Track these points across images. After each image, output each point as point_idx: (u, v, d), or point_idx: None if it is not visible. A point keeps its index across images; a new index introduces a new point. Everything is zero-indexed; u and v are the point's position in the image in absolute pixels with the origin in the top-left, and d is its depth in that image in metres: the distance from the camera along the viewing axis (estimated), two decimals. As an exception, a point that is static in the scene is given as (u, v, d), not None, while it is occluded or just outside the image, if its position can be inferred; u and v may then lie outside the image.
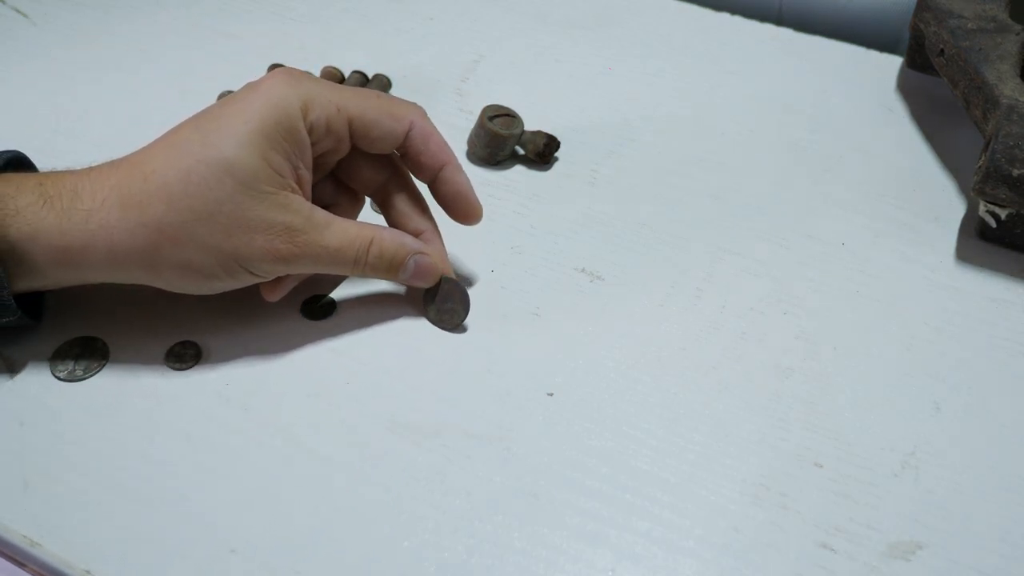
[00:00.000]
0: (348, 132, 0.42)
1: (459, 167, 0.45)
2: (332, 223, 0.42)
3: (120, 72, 0.61)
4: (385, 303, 0.47)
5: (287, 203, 0.40)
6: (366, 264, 0.43)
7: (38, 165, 0.45)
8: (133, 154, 0.41)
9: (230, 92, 0.57)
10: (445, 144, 0.45)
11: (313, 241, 0.41)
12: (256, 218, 0.39)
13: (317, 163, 0.43)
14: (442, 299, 0.45)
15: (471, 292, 0.47)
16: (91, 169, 0.41)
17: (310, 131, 0.41)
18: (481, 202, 0.46)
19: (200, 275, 0.40)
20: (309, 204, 0.41)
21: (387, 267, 0.43)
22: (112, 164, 0.41)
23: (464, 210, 0.46)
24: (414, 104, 0.45)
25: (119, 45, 0.63)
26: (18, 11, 0.66)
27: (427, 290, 0.45)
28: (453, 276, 0.46)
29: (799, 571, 0.37)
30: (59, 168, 0.42)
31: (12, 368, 0.43)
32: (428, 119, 0.44)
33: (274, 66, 0.59)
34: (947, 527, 0.39)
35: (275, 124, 0.40)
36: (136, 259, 0.40)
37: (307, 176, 0.42)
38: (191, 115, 0.42)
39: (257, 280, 0.42)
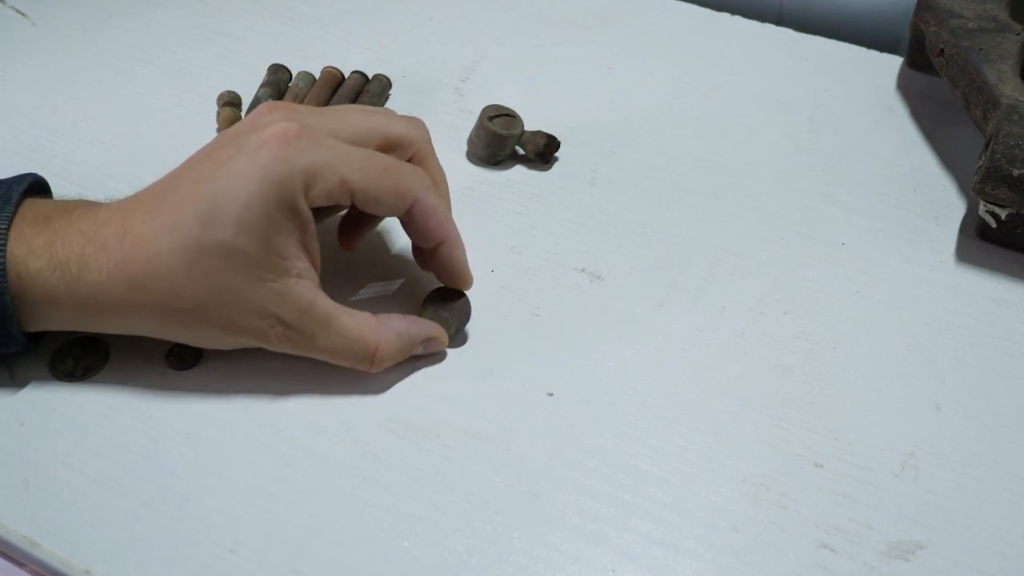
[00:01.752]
0: (350, 199, 0.40)
1: (456, 242, 0.44)
2: (331, 324, 0.40)
3: (120, 72, 0.61)
4: (385, 303, 0.47)
5: (284, 292, 0.39)
6: (371, 367, 0.42)
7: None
8: (136, 215, 0.39)
9: (230, 92, 0.57)
10: (445, 220, 0.43)
11: (308, 343, 0.41)
12: (255, 305, 0.39)
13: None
14: (443, 304, 0.45)
15: (471, 294, 0.47)
16: (96, 224, 0.39)
17: (311, 204, 0.39)
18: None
19: (212, 342, 0.41)
20: (311, 296, 0.40)
21: (397, 361, 0.43)
22: (114, 226, 0.39)
23: (454, 282, 0.45)
24: (423, 175, 0.42)
25: (119, 45, 0.63)
26: (18, 11, 0.66)
27: (431, 292, 0.45)
28: (470, 280, 0.45)
29: (799, 571, 0.37)
30: (66, 179, 0.42)
31: (12, 368, 0.43)
32: (432, 192, 0.42)
33: (274, 66, 0.59)
34: (947, 527, 0.39)
35: (276, 205, 0.38)
36: (149, 328, 0.40)
37: (315, 245, 0.40)
38: (197, 155, 0.41)
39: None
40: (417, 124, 0.44)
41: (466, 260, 0.44)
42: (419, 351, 0.43)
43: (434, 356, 0.44)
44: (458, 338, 0.45)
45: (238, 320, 0.39)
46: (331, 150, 0.40)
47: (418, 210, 0.42)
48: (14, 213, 0.40)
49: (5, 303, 0.39)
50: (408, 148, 0.43)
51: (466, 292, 0.45)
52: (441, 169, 0.45)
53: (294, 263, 0.39)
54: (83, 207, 0.41)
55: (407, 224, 0.43)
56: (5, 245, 0.39)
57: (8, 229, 0.39)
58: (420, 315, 0.45)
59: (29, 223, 0.40)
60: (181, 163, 0.41)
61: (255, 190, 0.38)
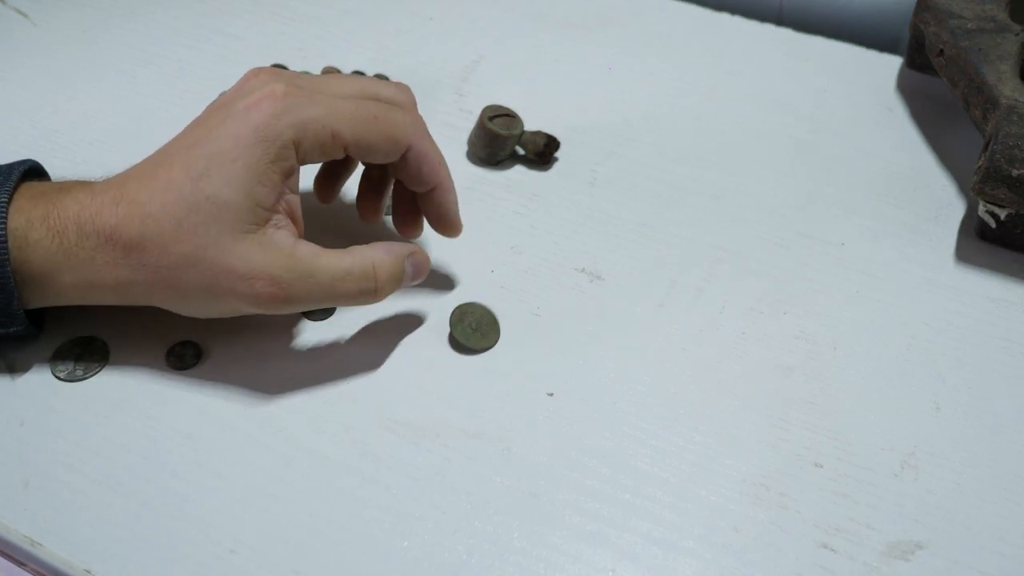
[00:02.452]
0: (343, 151, 0.41)
1: (448, 188, 0.44)
2: (320, 260, 0.40)
3: (120, 72, 0.61)
4: (385, 304, 0.47)
5: (266, 241, 0.39)
6: (376, 292, 0.41)
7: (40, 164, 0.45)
8: (131, 183, 0.40)
9: (230, 92, 0.57)
10: (438, 165, 0.44)
11: (299, 283, 0.40)
12: (237, 263, 0.39)
13: None
14: (463, 315, 0.45)
15: (471, 294, 0.47)
16: (92, 194, 0.40)
17: (302, 160, 0.40)
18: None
19: (202, 305, 0.41)
20: (293, 240, 0.40)
21: (397, 284, 0.43)
22: (111, 193, 0.40)
23: (444, 227, 0.46)
24: (413, 120, 0.43)
25: (119, 45, 0.63)
26: (18, 11, 0.66)
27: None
28: (460, 227, 0.46)
29: (799, 571, 0.37)
30: (66, 178, 0.43)
31: (12, 368, 0.43)
32: (426, 137, 0.43)
33: (275, 66, 0.59)
34: (947, 527, 0.39)
35: (263, 158, 0.39)
36: (142, 291, 0.40)
37: (295, 200, 0.41)
38: (188, 126, 0.42)
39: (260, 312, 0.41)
40: (403, 88, 0.45)
41: (457, 206, 0.45)
42: (410, 272, 0.43)
43: (419, 276, 0.44)
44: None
45: (222, 279, 0.39)
46: (320, 104, 0.40)
47: (412, 155, 0.42)
48: (14, 188, 0.40)
49: (7, 275, 0.39)
50: (404, 145, 0.43)
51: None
52: (441, 164, 0.45)
53: (275, 216, 0.40)
54: (80, 183, 0.42)
55: (400, 170, 0.44)
56: (6, 217, 0.39)
57: (8, 202, 0.40)
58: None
59: (27, 198, 0.40)
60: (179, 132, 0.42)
61: (246, 148, 0.39)
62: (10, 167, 0.42)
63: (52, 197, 0.40)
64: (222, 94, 0.44)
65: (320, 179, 0.48)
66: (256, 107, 0.39)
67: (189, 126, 0.42)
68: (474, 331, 0.45)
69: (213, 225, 0.39)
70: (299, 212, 0.41)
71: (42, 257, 0.39)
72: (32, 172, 0.43)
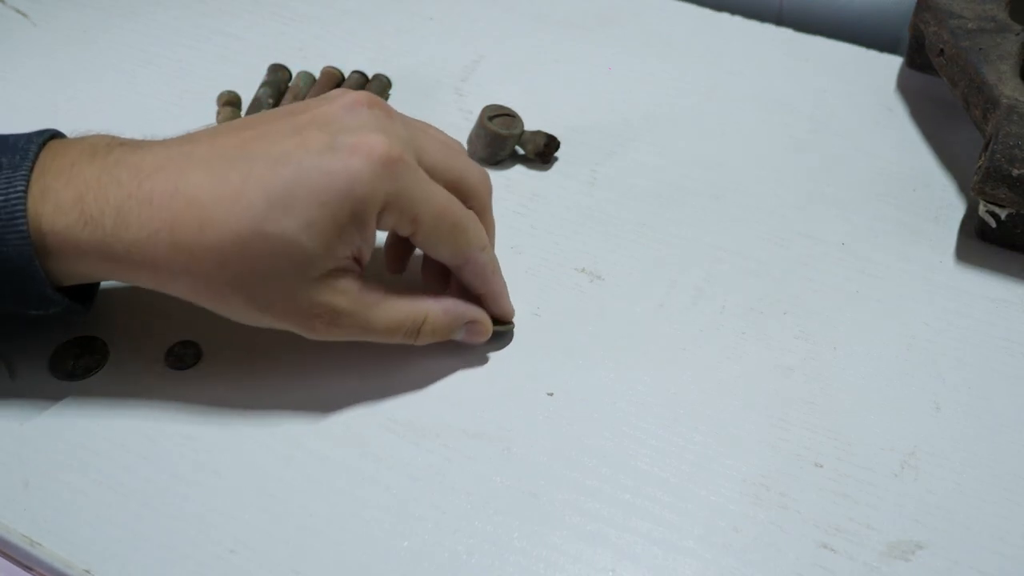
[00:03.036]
0: (407, 234, 0.40)
1: (499, 295, 0.44)
2: (380, 304, 0.40)
3: (120, 72, 0.61)
4: (385, 303, 0.47)
5: (336, 286, 0.38)
6: (416, 339, 0.42)
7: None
8: (192, 174, 0.37)
9: (230, 92, 0.57)
10: (492, 276, 0.43)
11: (358, 324, 0.40)
12: (302, 299, 0.38)
13: None
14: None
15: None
16: (139, 176, 0.37)
17: (379, 227, 0.39)
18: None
19: (243, 317, 0.39)
20: (359, 286, 0.39)
21: (439, 339, 0.43)
22: (165, 179, 0.37)
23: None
24: (482, 236, 0.42)
25: (119, 45, 0.63)
26: (18, 11, 0.66)
27: None
28: (512, 317, 0.45)
29: (799, 571, 0.37)
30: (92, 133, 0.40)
31: (12, 368, 0.43)
32: (486, 252, 0.42)
33: (274, 66, 0.59)
34: (947, 527, 0.39)
35: (350, 216, 0.37)
36: (179, 290, 0.39)
37: (368, 252, 0.40)
38: (269, 122, 0.39)
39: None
40: (485, 177, 0.44)
41: (507, 305, 0.45)
42: (460, 336, 0.43)
43: (471, 347, 0.44)
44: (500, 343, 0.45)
45: (279, 304, 0.38)
46: (418, 185, 0.39)
47: (468, 268, 0.42)
48: (31, 169, 0.37)
49: (35, 269, 0.37)
50: (473, 198, 0.43)
51: (509, 330, 0.45)
52: (494, 222, 0.45)
53: (345, 262, 0.39)
54: (120, 150, 0.38)
55: (455, 269, 0.43)
56: (24, 211, 0.36)
57: (26, 190, 0.36)
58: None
59: (54, 175, 0.37)
60: (250, 122, 0.39)
61: (336, 196, 0.36)
62: (28, 140, 0.38)
63: (85, 173, 0.37)
64: (303, 99, 0.42)
65: (390, 250, 0.46)
66: (359, 153, 0.37)
67: (277, 127, 0.38)
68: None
69: (283, 260, 0.37)
70: (368, 258, 0.40)
71: (72, 243, 0.37)
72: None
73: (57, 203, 0.37)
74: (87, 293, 0.43)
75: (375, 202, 0.37)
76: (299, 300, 0.38)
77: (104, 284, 0.46)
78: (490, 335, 0.44)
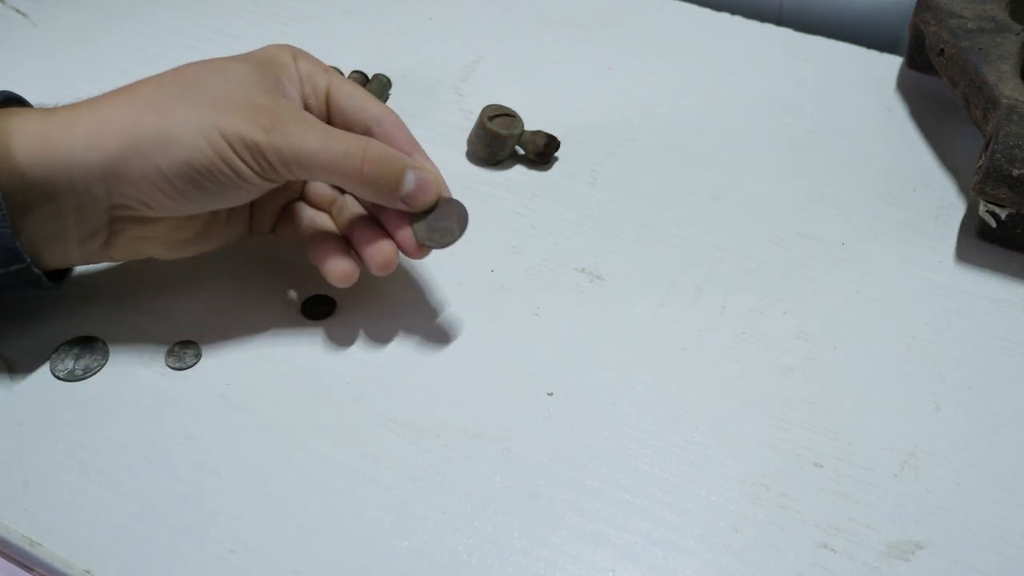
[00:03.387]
0: (325, 95, 0.43)
1: (391, 119, 0.44)
2: (321, 125, 0.41)
3: (120, 72, 0.61)
4: (385, 303, 0.47)
5: (279, 97, 0.41)
6: (363, 168, 0.40)
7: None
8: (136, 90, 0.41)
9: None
10: (413, 142, 0.44)
11: (294, 133, 0.39)
12: (244, 96, 0.39)
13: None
14: (436, 217, 0.42)
15: (470, 292, 0.47)
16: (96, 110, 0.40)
17: (298, 69, 0.43)
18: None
19: (179, 156, 0.38)
20: (300, 108, 0.41)
21: (385, 174, 0.40)
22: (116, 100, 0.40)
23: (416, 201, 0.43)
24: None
25: (119, 45, 0.63)
26: (18, 11, 0.66)
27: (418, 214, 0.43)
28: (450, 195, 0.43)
29: (799, 571, 0.37)
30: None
31: (12, 368, 0.43)
32: (399, 119, 0.44)
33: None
34: (947, 527, 0.39)
35: (270, 62, 0.42)
36: (117, 133, 0.38)
37: (313, 105, 0.43)
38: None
39: (240, 184, 0.39)
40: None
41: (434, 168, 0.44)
42: (411, 184, 0.41)
43: (424, 195, 0.41)
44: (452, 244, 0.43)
45: (219, 109, 0.39)
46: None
47: (389, 119, 0.43)
48: None
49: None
50: (377, 111, 0.44)
51: (458, 201, 0.43)
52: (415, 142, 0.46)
53: (290, 95, 0.42)
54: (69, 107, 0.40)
55: (378, 124, 0.44)
56: None
57: None
58: (414, 232, 0.42)
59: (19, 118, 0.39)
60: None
61: (247, 56, 0.42)
62: None
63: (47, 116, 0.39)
64: None
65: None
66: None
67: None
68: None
69: (220, 73, 0.40)
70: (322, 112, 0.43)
71: (13, 123, 0.38)
72: (14, 101, 0.42)
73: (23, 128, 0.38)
74: (58, 275, 0.43)
75: (285, 52, 0.43)
76: (241, 98, 0.39)
77: (104, 285, 0.46)
78: (438, 191, 0.42)
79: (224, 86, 0.40)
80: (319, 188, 0.46)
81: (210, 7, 0.67)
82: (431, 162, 0.44)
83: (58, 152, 0.38)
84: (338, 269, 0.42)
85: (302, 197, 0.46)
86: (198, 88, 0.39)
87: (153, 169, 0.38)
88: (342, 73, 0.59)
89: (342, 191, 0.46)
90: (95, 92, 0.58)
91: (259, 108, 0.39)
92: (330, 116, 0.44)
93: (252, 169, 0.39)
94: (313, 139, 0.40)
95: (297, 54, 0.43)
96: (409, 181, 0.41)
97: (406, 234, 0.42)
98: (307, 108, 0.43)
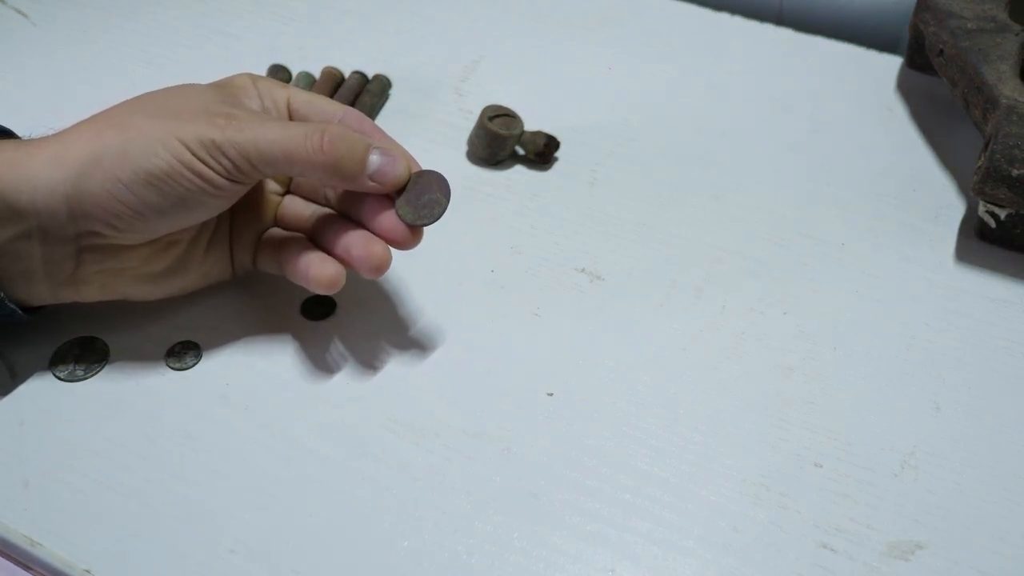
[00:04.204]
0: (287, 110, 0.43)
1: (392, 142, 0.42)
2: (279, 119, 0.41)
3: (120, 72, 0.61)
4: (385, 303, 0.47)
5: (236, 106, 0.41)
6: (323, 147, 0.39)
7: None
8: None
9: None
10: (377, 128, 0.43)
11: (251, 127, 0.39)
12: (201, 106, 0.39)
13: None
14: (417, 194, 0.41)
15: (470, 292, 0.47)
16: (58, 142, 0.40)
17: (257, 89, 0.43)
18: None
19: (139, 164, 0.38)
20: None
21: (348, 152, 0.39)
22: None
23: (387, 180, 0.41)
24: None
25: (119, 45, 0.63)
26: (18, 11, 0.66)
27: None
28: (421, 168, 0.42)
29: (799, 571, 0.37)
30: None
31: (12, 368, 0.43)
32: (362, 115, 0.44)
33: (274, 66, 0.59)
34: (947, 527, 0.39)
35: (228, 84, 0.42)
36: (78, 152, 0.38)
37: (275, 116, 0.42)
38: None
39: (202, 187, 0.39)
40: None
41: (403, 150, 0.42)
42: (374, 163, 0.40)
43: (390, 175, 0.40)
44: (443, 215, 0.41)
45: (179, 119, 0.39)
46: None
47: (351, 114, 0.43)
48: None
49: None
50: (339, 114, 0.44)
51: (432, 170, 0.42)
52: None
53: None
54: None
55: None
56: None
57: None
58: (400, 216, 0.41)
59: None
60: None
61: (205, 85, 0.43)
62: None
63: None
64: None
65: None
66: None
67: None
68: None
69: (180, 92, 0.41)
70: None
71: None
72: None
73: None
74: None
75: (243, 76, 0.43)
76: (199, 107, 0.40)
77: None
78: (407, 164, 0.41)
79: (182, 101, 0.40)
80: (293, 208, 0.45)
81: (210, 7, 0.67)
82: (398, 145, 0.42)
83: (24, 172, 0.38)
84: (324, 274, 0.41)
85: (276, 223, 0.45)
86: (156, 104, 0.40)
87: (113, 181, 0.38)
88: (342, 74, 0.59)
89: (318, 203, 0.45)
90: (95, 92, 0.59)
91: (215, 113, 0.39)
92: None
93: (213, 169, 0.38)
94: (270, 129, 0.39)
95: (256, 78, 0.44)
96: (374, 158, 0.40)
97: (391, 221, 0.41)
98: None
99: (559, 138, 0.56)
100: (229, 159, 0.39)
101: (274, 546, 0.37)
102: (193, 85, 0.42)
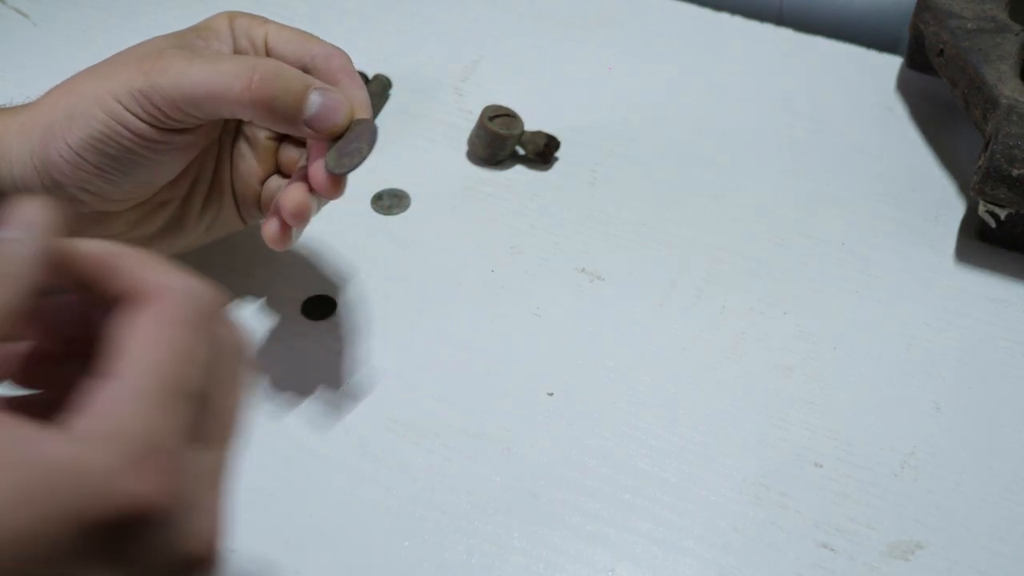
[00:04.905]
0: (264, 44, 0.40)
1: (358, 84, 0.39)
2: (214, 55, 0.38)
3: (120, 72, 0.61)
4: (385, 303, 0.47)
5: (194, 47, 0.38)
6: (252, 86, 0.35)
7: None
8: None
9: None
10: (347, 69, 0.39)
11: (175, 68, 0.36)
12: (140, 54, 0.37)
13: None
14: (347, 141, 0.37)
15: (470, 292, 0.47)
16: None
17: (233, 30, 0.40)
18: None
19: (82, 130, 0.36)
20: (196, 47, 0.38)
21: (282, 93, 0.36)
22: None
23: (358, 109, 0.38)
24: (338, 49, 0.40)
25: (120, 45, 0.63)
26: (18, 11, 0.66)
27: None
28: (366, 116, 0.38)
29: (799, 571, 0.37)
30: None
31: (12, 368, 0.43)
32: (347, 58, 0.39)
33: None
34: (947, 527, 0.39)
35: (199, 28, 0.40)
36: (39, 121, 0.37)
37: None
38: None
39: (143, 143, 0.37)
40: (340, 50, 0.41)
41: (361, 103, 0.39)
42: (314, 103, 0.36)
43: (331, 116, 0.37)
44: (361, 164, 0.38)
45: (115, 75, 0.37)
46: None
47: (322, 54, 0.39)
48: None
49: None
50: (316, 48, 0.41)
51: (370, 120, 0.38)
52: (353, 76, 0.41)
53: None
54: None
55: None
56: None
57: None
58: (327, 162, 0.37)
59: None
60: None
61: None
62: None
63: None
64: None
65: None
66: None
67: None
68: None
69: (134, 49, 0.39)
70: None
71: None
72: None
73: None
74: None
75: (222, 15, 0.41)
76: (132, 55, 0.38)
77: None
78: (349, 112, 0.37)
79: (132, 52, 0.38)
80: (287, 155, 0.42)
81: (210, 7, 0.67)
82: (363, 90, 0.39)
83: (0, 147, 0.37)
84: (266, 233, 0.38)
85: (278, 171, 0.43)
86: (112, 61, 0.38)
87: (66, 149, 0.37)
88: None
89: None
90: (95, 92, 0.59)
91: (147, 57, 0.37)
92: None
93: (146, 121, 0.36)
94: (197, 68, 0.36)
95: (234, 16, 0.40)
96: (313, 102, 0.36)
97: (315, 168, 0.37)
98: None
99: (559, 138, 0.55)
100: (155, 106, 0.36)
101: (274, 546, 0.37)
102: (160, 36, 0.39)
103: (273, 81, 0.36)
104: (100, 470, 0.22)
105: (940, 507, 0.39)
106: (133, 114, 0.36)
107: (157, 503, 0.23)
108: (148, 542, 0.23)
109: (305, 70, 0.38)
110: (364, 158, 0.37)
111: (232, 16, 0.41)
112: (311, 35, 0.40)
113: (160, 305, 0.25)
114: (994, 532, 0.39)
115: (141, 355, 0.24)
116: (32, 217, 0.25)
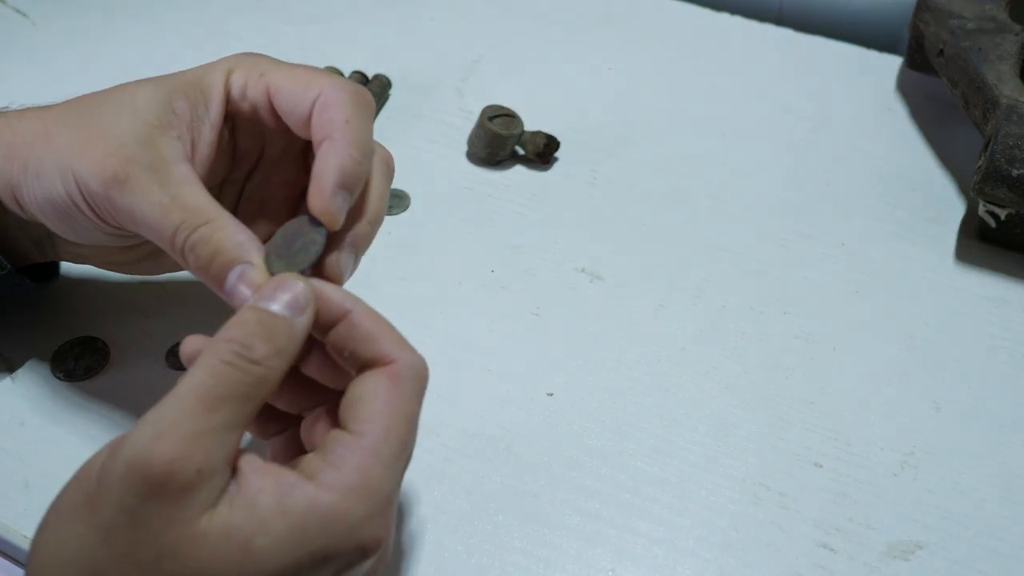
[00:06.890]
0: (267, 101, 0.37)
1: (344, 147, 0.34)
2: (174, 184, 0.34)
3: (120, 73, 0.61)
4: (385, 304, 0.47)
5: (158, 138, 0.35)
6: (182, 248, 0.34)
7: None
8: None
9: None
10: (345, 123, 0.35)
11: (134, 191, 0.34)
12: (117, 132, 0.35)
13: (241, 151, 0.39)
14: (286, 243, 0.34)
15: (470, 292, 0.47)
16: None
17: (228, 90, 0.37)
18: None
19: (44, 191, 0.36)
20: (171, 155, 0.35)
21: (207, 265, 0.34)
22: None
23: (314, 193, 0.34)
24: (343, 79, 0.37)
25: (120, 46, 0.63)
26: (18, 11, 0.66)
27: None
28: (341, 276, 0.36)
29: (799, 571, 0.37)
30: None
31: (12, 368, 0.43)
32: (345, 93, 0.36)
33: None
34: (947, 527, 0.39)
35: (189, 78, 0.37)
36: (17, 156, 0.36)
37: (208, 136, 0.36)
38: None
39: (99, 226, 0.36)
40: (345, 81, 0.37)
41: (343, 178, 0.35)
42: (232, 281, 0.34)
43: (235, 301, 0.35)
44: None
45: (85, 148, 0.35)
46: (267, 58, 0.38)
47: (320, 100, 0.36)
48: None
49: None
50: (315, 89, 0.37)
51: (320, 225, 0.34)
52: (352, 124, 0.37)
53: (175, 129, 0.36)
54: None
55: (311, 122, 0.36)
56: None
57: None
58: (270, 268, 0.34)
59: None
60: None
61: (179, 73, 0.39)
62: None
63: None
64: None
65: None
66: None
67: None
68: None
69: (114, 100, 0.37)
70: (204, 152, 0.37)
71: None
72: None
73: None
74: (42, 272, 0.43)
75: (219, 68, 0.38)
76: (104, 129, 0.36)
77: (105, 285, 0.46)
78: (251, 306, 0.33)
79: (114, 115, 0.36)
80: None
81: (211, 7, 0.67)
82: (362, 145, 0.35)
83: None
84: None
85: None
86: (92, 114, 0.36)
87: (32, 199, 0.36)
88: (342, 74, 0.59)
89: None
90: (95, 92, 0.59)
91: (116, 153, 0.35)
92: (276, 117, 0.37)
93: (99, 216, 0.36)
94: (151, 204, 0.34)
95: (232, 70, 0.38)
96: (230, 280, 0.35)
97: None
98: (239, 124, 0.39)
99: (559, 138, 0.56)
100: (107, 212, 0.35)
101: (274, 546, 0.37)
102: (145, 87, 0.37)
103: (200, 250, 0.34)
104: (352, 518, 0.29)
105: (940, 507, 0.39)
106: (88, 203, 0.35)
107: (384, 543, 0.31)
108: (363, 566, 0.30)
109: (308, 118, 0.36)
110: (320, 249, 0.34)
111: (230, 71, 0.38)
112: (314, 76, 0.37)
113: (401, 380, 0.32)
114: (994, 532, 0.39)
115: (385, 421, 0.31)
116: (302, 300, 0.32)
